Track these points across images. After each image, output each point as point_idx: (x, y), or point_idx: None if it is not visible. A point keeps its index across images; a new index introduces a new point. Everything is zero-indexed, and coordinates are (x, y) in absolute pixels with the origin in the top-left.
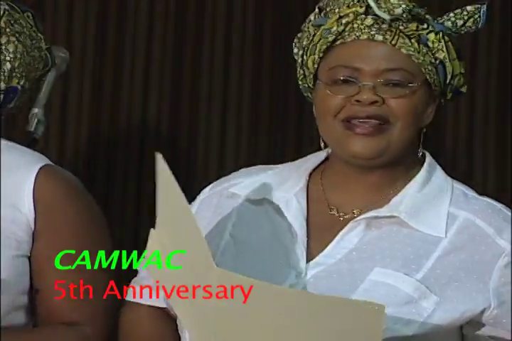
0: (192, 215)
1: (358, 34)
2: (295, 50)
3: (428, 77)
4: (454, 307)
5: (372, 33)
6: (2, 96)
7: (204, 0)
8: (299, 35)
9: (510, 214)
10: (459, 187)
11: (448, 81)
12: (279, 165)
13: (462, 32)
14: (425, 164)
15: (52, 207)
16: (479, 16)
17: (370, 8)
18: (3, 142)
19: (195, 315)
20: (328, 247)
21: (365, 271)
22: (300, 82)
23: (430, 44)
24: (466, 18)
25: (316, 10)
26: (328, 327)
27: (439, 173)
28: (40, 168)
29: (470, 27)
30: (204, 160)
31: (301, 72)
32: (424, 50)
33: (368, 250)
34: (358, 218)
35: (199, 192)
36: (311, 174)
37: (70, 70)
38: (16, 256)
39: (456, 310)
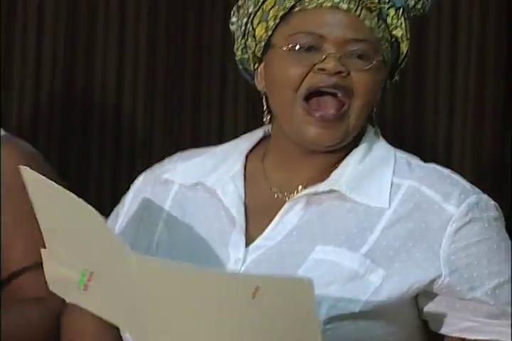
0: (85, 208)
1: (321, 1)
2: (233, 19)
3: (385, 54)
4: (403, 279)
5: (337, 0)
6: None
7: None
8: (239, 2)
9: (458, 178)
10: (403, 155)
11: (400, 61)
12: (215, 147)
13: (411, 14)
14: (365, 136)
15: (13, 179)
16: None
17: None
18: None
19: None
20: (267, 229)
21: (306, 250)
22: (238, 53)
23: (389, 20)
24: None
25: None
26: (262, 309)
27: (381, 144)
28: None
29: (418, 9)
30: None
31: (242, 41)
32: (383, 26)
33: (309, 228)
34: (296, 196)
35: None
36: (248, 154)
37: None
38: None
39: (405, 281)
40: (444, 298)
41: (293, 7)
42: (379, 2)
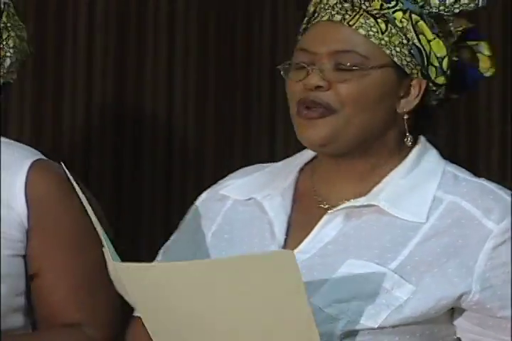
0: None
1: (322, 15)
2: None
3: (396, 59)
4: (430, 295)
5: (333, 13)
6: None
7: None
8: None
9: (504, 194)
10: (451, 169)
11: (426, 63)
12: (275, 163)
13: (456, 10)
14: (414, 149)
15: (45, 203)
16: None
17: None
18: None
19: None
20: (303, 243)
21: (337, 264)
22: None
23: (399, 23)
24: None
25: None
26: (250, 288)
27: (431, 157)
28: (32, 163)
29: (467, 4)
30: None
31: None
32: (394, 31)
33: (345, 242)
34: (335, 209)
35: None
36: (303, 169)
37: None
38: (10, 255)
39: (432, 297)
40: (476, 314)
41: (309, 22)
42: (381, 8)
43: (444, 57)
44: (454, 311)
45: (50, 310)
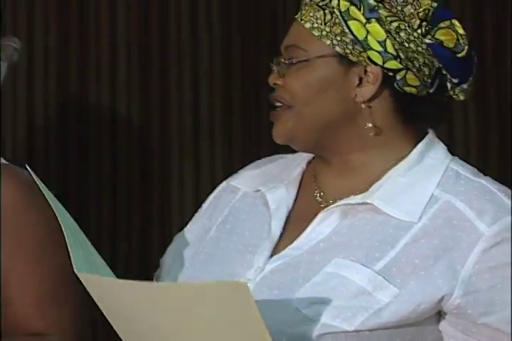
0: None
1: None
2: None
3: (338, 49)
4: (411, 298)
5: (300, 11)
6: None
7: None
8: None
9: (503, 196)
10: (455, 167)
11: (363, 49)
12: (287, 155)
13: None
14: (419, 145)
15: (10, 208)
16: None
17: None
18: None
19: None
20: (298, 239)
21: (323, 262)
22: None
23: (336, 11)
24: None
25: None
26: (205, 315)
27: (436, 154)
28: None
29: None
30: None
31: None
32: (337, 20)
33: (337, 240)
34: (330, 206)
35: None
36: (310, 162)
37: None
38: None
39: (412, 301)
40: (458, 320)
41: None
42: None
43: (385, 40)
44: (441, 316)
45: (14, 319)
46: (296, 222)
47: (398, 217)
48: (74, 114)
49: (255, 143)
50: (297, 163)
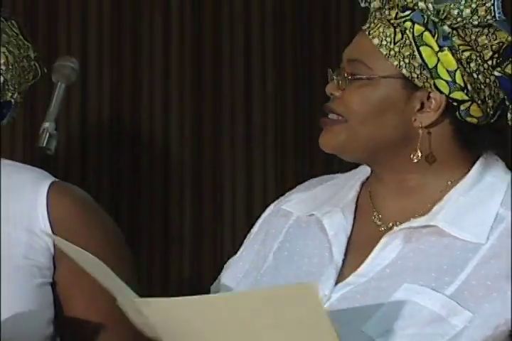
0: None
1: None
2: None
3: (405, 71)
4: (488, 321)
5: (368, 21)
6: None
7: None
8: None
9: None
10: None
11: (432, 76)
12: (338, 175)
13: (475, 22)
14: (476, 164)
15: (69, 227)
16: (492, 4)
17: None
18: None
19: None
20: (362, 266)
21: (392, 288)
22: None
23: (409, 34)
24: (474, 6)
25: None
26: (275, 321)
27: (496, 172)
28: (49, 186)
29: (484, 16)
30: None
31: None
32: (408, 41)
33: (403, 265)
34: (393, 230)
35: None
36: (364, 183)
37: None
38: (40, 284)
39: (490, 324)
40: None
41: None
42: (396, 17)
43: (456, 70)
44: None
45: (79, 338)
46: (357, 248)
47: (465, 238)
48: (128, 136)
49: (308, 164)
50: (350, 184)
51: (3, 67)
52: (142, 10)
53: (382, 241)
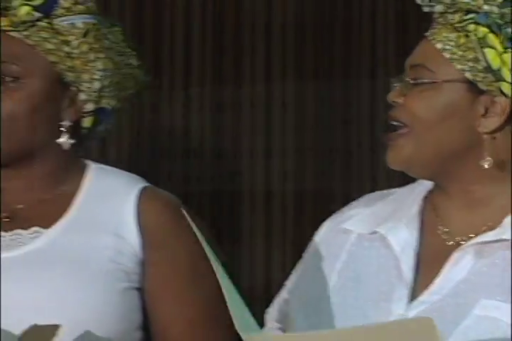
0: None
1: None
2: None
3: (469, 75)
4: None
5: (432, 28)
6: (92, 118)
7: None
8: None
9: None
10: None
11: (495, 79)
12: (395, 190)
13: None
14: None
15: (159, 233)
16: None
17: None
18: (94, 165)
19: None
20: (434, 283)
21: (469, 305)
22: None
23: (473, 37)
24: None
25: None
26: None
27: None
28: (140, 191)
29: None
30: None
31: None
32: (471, 45)
33: (477, 281)
34: (464, 246)
35: None
36: (427, 197)
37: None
38: (126, 288)
39: None
40: None
41: None
42: (460, 21)
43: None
44: None
45: None
46: (425, 264)
47: None
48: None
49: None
50: (412, 199)
51: (100, 74)
52: (163, 7)
53: (454, 256)
